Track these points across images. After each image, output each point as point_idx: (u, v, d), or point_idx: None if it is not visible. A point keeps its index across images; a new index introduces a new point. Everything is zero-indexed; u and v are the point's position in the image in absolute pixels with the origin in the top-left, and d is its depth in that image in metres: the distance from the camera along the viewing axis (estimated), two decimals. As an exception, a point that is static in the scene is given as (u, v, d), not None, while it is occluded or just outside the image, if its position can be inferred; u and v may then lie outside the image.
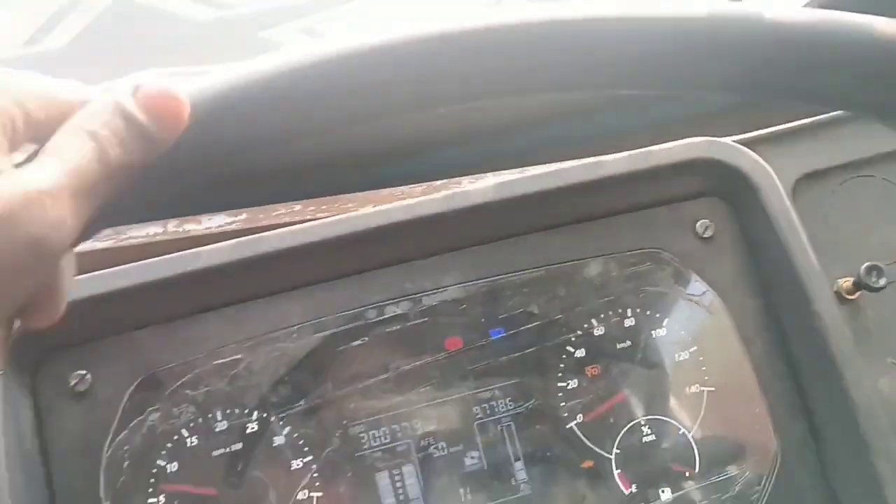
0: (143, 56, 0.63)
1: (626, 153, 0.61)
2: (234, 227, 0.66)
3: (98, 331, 0.56)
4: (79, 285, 0.54)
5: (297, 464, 0.58)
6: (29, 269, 0.26)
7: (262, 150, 0.32)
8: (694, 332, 0.63)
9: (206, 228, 0.66)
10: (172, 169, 0.31)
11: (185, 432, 0.57)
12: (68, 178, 0.26)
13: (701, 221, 0.64)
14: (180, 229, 0.66)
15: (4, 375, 0.52)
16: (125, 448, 0.55)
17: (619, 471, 0.60)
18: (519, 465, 0.60)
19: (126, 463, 0.55)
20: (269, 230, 0.64)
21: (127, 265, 0.56)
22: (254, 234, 0.61)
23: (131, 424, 0.55)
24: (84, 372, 0.55)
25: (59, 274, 0.31)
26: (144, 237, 0.65)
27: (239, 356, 0.57)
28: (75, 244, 0.29)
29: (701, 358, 0.63)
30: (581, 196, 0.61)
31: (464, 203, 0.58)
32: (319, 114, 0.31)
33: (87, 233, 0.28)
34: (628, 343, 0.63)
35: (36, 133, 0.29)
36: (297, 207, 0.68)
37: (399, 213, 0.57)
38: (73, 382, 0.55)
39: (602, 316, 0.62)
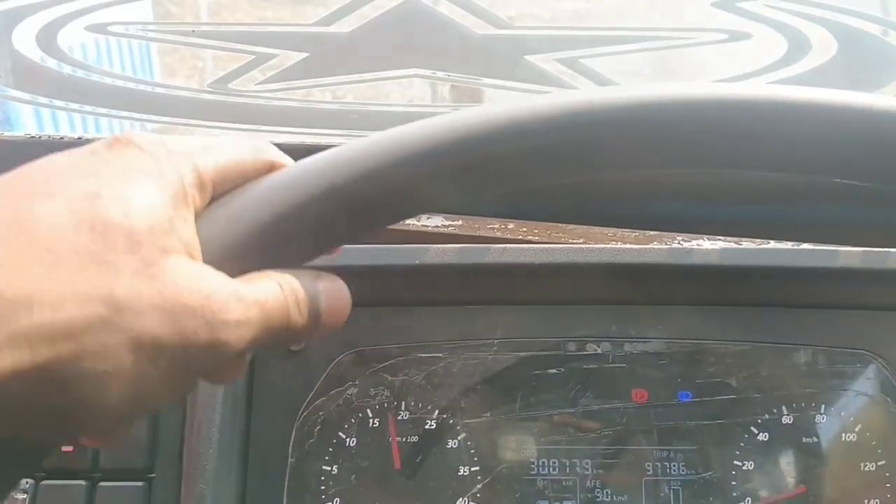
0: (413, 56, 0.67)
1: (861, 248, 0.59)
2: (449, 230, 0.69)
3: (320, 299, 0.60)
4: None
5: (464, 471, 0.59)
6: (205, 363, 0.29)
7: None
8: (887, 446, 0.61)
9: (423, 226, 0.69)
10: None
11: (370, 412, 0.60)
12: (260, 311, 0.30)
13: (924, 336, 0.61)
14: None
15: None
16: (320, 413, 0.58)
17: (777, 566, 0.59)
18: (679, 532, 0.59)
19: (318, 428, 0.58)
20: (481, 240, 0.67)
21: (359, 247, 0.59)
22: (467, 241, 0.63)
23: (330, 393, 0.59)
24: (301, 334, 0.59)
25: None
26: (365, 221, 0.69)
27: (440, 355, 0.60)
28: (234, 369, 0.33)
29: (887, 474, 0.60)
30: (805, 282, 0.60)
31: (688, 261, 0.59)
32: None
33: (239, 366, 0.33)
34: (814, 439, 0.61)
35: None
36: (511, 226, 0.70)
37: (623, 256, 0.58)
38: (290, 341, 0.59)
39: (795, 405, 0.61)
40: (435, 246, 0.59)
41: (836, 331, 0.61)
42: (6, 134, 0.73)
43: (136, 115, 0.72)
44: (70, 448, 0.55)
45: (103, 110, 0.71)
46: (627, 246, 0.59)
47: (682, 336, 0.60)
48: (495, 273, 0.59)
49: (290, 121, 0.70)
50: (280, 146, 0.35)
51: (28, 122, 0.80)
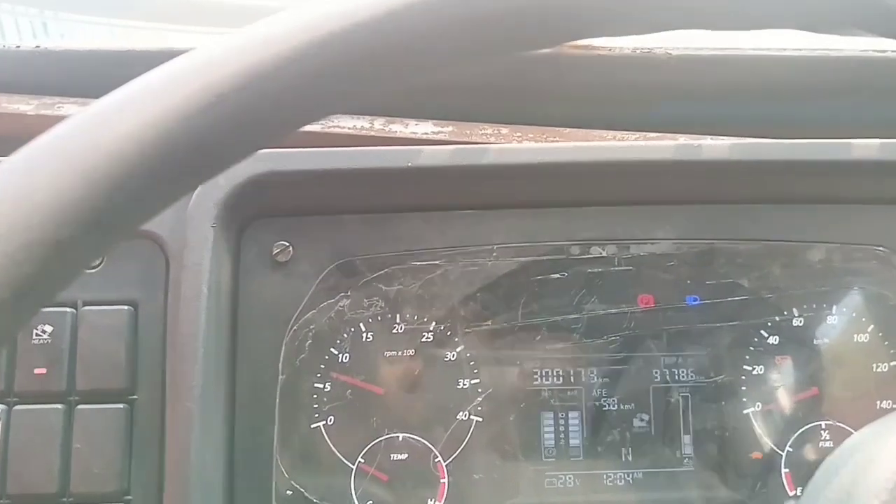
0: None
1: (878, 140, 0.56)
2: (440, 136, 0.65)
3: (307, 207, 0.56)
4: (298, 158, 0.54)
5: (463, 384, 0.56)
6: None
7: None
8: (900, 346, 0.59)
9: (412, 133, 0.65)
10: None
11: (362, 326, 0.56)
12: None
13: (942, 231, 0.59)
14: (386, 129, 0.65)
15: (215, 229, 0.52)
16: (311, 327, 0.55)
17: (787, 470, 0.57)
18: (687, 438, 0.57)
19: (308, 342, 0.55)
20: (475, 145, 0.63)
21: (348, 148, 0.55)
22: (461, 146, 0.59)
23: (321, 305, 0.55)
24: (287, 244, 0.55)
25: None
26: (351, 129, 0.65)
27: (437, 262, 0.56)
28: None
29: (900, 375, 0.59)
30: (818, 176, 0.57)
31: (695, 156, 0.55)
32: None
33: None
34: (825, 341, 0.59)
35: None
36: (505, 130, 0.66)
37: (629, 153, 0.55)
38: (275, 251, 0.55)
39: (806, 306, 0.58)
40: (429, 147, 0.55)
41: (851, 226, 0.58)
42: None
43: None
44: (42, 370, 0.51)
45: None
46: (633, 143, 0.56)
47: (692, 236, 0.57)
48: (494, 175, 0.55)
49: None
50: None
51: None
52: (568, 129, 0.66)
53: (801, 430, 0.58)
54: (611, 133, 0.65)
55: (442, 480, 0.55)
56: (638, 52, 0.67)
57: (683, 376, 0.57)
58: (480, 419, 0.56)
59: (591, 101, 0.67)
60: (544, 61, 0.67)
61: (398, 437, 0.56)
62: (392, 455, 0.55)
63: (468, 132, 0.66)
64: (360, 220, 0.56)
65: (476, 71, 0.68)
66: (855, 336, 0.59)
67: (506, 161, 0.54)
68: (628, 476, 0.56)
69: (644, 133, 0.65)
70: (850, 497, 0.23)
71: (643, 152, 0.55)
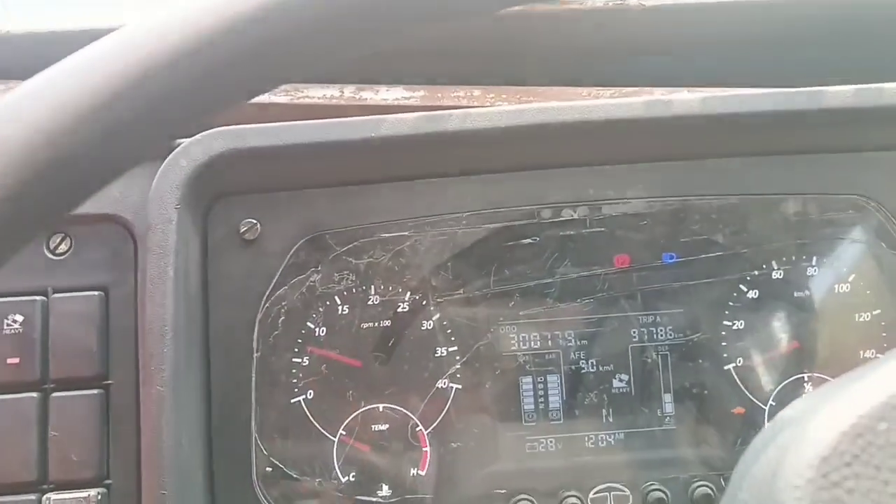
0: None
1: (853, 87, 0.54)
2: (411, 101, 0.63)
3: (272, 182, 0.55)
4: (257, 134, 0.53)
5: (441, 352, 0.56)
6: None
7: None
8: (881, 294, 0.58)
9: (383, 99, 0.64)
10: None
11: (338, 299, 0.56)
12: None
13: (921, 176, 0.57)
14: (357, 96, 0.64)
15: (179, 210, 0.51)
16: (283, 303, 0.55)
17: (770, 423, 0.57)
18: (668, 397, 0.57)
19: (281, 319, 0.55)
20: (446, 110, 0.61)
21: (309, 121, 0.54)
22: (432, 111, 0.58)
23: (292, 281, 0.55)
24: (254, 221, 0.55)
25: None
26: (321, 98, 0.63)
27: (405, 233, 0.56)
28: None
29: (883, 323, 0.58)
30: (793, 125, 0.55)
31: (665, 112, 0.54)
32: None
33: None
34: (806, 293, 0.58)
35: None
36: (477, 92, 0.64)
37: (597, 112, 0.53)
38: (242, 229, 0.54)
39: (785, 259, 0.58)
40: (391, 116, 0.54)
41: (827, 176, 0.57)
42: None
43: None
44: (15, 359, 0.51)
45: None
46: (601, 101, 0.54)
47: (665, 194, 0.56)
48: (459, 141, 0.54)
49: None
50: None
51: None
52: (542, 88, 0.65)
53: (783, 384, 0.57)
54: (585, 90, 0.64)
55: (424, 449, 0.56)
56: (610, 4, 0.65)
57: (662, 335, 0.57)
58: (459, 386, 0.56)
59: (563, 57, 0.66)
60: (515, 19, 0.65)
61: (378, 407, 0.56)
62: (373, 426, 0.56)
63: (439, 95, 0.64)
64: (327, 194, 0.55)
65: (447, 33, 0.66)
66: (836, 286, 0.58)
67: (470, 126, 0.53)
68: (609, 437, 0.56)
69: (620, 88, 0.64)
70: (775, 477, 0.22)
71: (611, 111, 0.54)
